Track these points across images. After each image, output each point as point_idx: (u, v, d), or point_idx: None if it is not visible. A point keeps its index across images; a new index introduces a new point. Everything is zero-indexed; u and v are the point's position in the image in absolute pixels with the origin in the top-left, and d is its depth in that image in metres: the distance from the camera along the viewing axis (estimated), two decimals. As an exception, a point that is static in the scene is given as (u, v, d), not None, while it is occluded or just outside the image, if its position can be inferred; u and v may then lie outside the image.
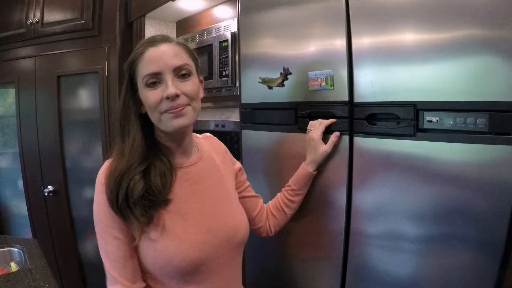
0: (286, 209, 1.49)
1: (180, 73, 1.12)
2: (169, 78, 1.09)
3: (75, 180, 3.23)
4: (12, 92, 3.50)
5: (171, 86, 1.08)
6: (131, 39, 2.99)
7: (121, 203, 1.05)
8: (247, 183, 1.48)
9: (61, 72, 3.16)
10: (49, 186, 3.27)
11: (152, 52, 1.10)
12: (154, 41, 1.13)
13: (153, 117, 1.13)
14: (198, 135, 1.40)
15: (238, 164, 1.46)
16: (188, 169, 1.23)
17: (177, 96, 1.08)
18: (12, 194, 3.70)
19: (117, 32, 2.92)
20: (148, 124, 1.17)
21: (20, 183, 3.50)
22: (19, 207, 3.59)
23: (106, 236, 1.10)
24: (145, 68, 1.10)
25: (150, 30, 2.94)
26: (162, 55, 1.10)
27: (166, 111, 1.10)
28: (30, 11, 3.23)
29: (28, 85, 3.32)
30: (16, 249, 2.25)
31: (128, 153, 1.11)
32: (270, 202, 1.53)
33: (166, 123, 1.11)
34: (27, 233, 3.50)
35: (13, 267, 2.11)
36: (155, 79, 1.10)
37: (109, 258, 1.10)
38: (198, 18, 2.78)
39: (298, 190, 1.47)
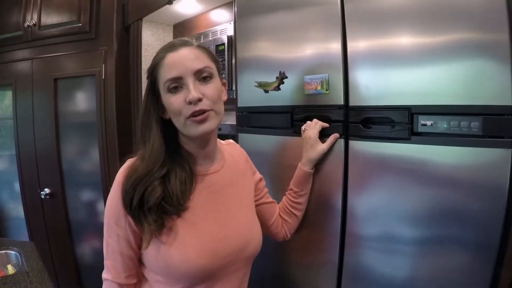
0: (295, 211, 1.50)
1: (202, 76, 1.11)
2: (190, 82, 1.09)
3: (72, 182, 3.23)
4: (9, 94, 3.49)
5: (193, 90, 1.07)
6: (128, 43, 2.99)
7: (135, 207, 1.07)
8: (266, 189, 1.49)
9: (58, 75, 3.15)
10: (45, 189, 3.26)
11: (172, 57, 1.10)
12: (174, 45, 1.13)
13: (178, 122, 1.13)
14: (222, 142, 1.40)
15: (258, 174, 1.47)
16: (209, 177, 1.23)
17: (199, 100, 1.08)
18: (9, 196, 3.70)
19: (114, 35, 2.93)
20: (170, 129, 1.17)
21: (17, 186, 3.49)
22: (16, 209, 3.57)
23: (110, 230, 1.13)
24: (166, 73, 1.10)
25: (147, 33, 2.95)
26: (182, 59, 1.10)
27: (190, 117, 1.09)
28: (28, 13, 3.22)
29: (25, 88, 3.31)
30: (13, 252, 2.25)
31: (147, 157, 1.12)
32: (279, 207, 1.53)
33: (190, 129, 1.11)
34: (24, 236, 3.49)
35: (10, 269, 2.11)
36: (177, 84, 1.09)
37: (107, 249, 1.15)
38: (195, 22, 2.79)
39: (301, 191, 1.48)
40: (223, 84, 1.23)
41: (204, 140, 1.19)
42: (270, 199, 1.49)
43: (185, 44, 1.13)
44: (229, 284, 1.20)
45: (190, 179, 1.17)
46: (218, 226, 1.18)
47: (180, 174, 1.14)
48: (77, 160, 3.27)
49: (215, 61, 1.19)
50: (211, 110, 1.11)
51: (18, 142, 3.41)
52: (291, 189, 1.50)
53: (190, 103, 1.07)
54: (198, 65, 1.10)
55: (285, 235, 1.51)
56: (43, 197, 3.26)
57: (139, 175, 1.09)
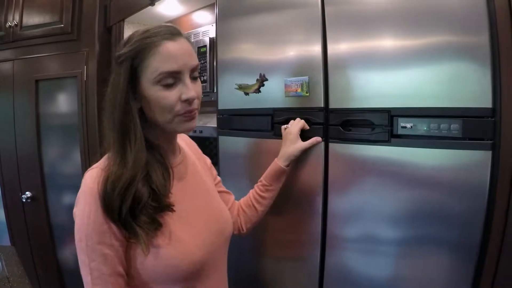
0: (257, 205, 1.45)
1: (193, 74, 1.05)
2: (187, 79, 1.02)
3: (54, 186, 3.18)
4: (-11, 96, 3.44)
5: (192, 89, 1.02)
6: (110, 44, 2.96)
7: (126, 215, 0.96)
8: (218, 178, 1.45)
9: (40, 76, 3.10)
10: (27, 192, 3.20)
11: (171, 47, 1.00)
12: (171, 33, 1.02)
13: (163, 118, 1.04)
14: None
15: (208, 160, 1.44)
16: (177, 168, 1.16)
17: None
18: (-11, 200, 3.63)
19: (96, 36, 2.89)
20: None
21: (-2, 189, 3.43)
22: (-4, 213, 3.52)
23: (92, 253, 0.97)
24: (162, 64, 0.99)
25: (129, 34, 2.91)
26: (182, 52, 1.02)
27: (181, 115, 1.03)
28: (9, 14, 3.17)
29: (6, 89, 3.26)
30: (-7, 257, 2.21)
31: (133, 159, 1.00)
32: (242, 199, 1.50)
33: (177, 126, 1.05)
34: (5, 240, 3.44)
35: (-10, 275, 2.07)
36: (173, 79, 1.01)
37: (91, 276, 0.98)
38: (177, 23, 2.76)
39: (269, 186, 1.44)
40: None
41: (172, 134, 1.16)
42: (224, 188, 1.45)
43: (181, 34, 1.05)
44: (220, 269, 1.21)
45: (167, 173, 1.09)
46: (199, 214, 1.16)
47: (159, 168, 1.06)
48: (59, 162, 3.22)
49: None
50: (197, 109, 1.07)
51: (-2, 144, 3.35)
52: (260, 181, 1.47)
53: (185, 101, 1.01)
54: (195, 62, 1.05)
55: (240, 228, 1.45)
56: (24, 200, 3.20)
57: (126, 180, 0.97)
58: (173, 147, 1.19)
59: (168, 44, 1.00)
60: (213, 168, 1.44)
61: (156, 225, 1.00)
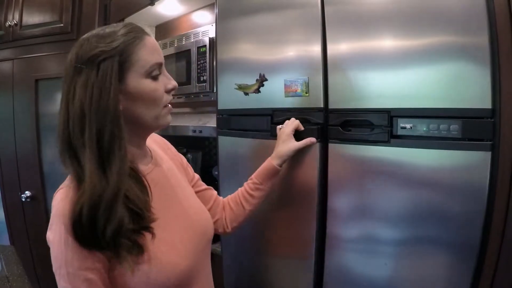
0: (245, 204, 1.40)
1: None
2: (165, 70, 1.04)
3: (53, 185, 3.14)
4: (-11, 95, 3.43)
5: (172, 78, 1.04)
6: (109, 43, 2.94)
7: (110, 239, 0.87)
8: (196, 176, 1.39)
9: (39, 76, 3.11)
10: (26, 192, 3.20)
11: (152, 41, 1.00)
12: (144, 31, 1.00)
13: (152, 112, 1.00)
14: None
15: (184, 159, 1.37)
16: (150, 175, 1.07)
17: None
18: (-11, 200, 3.62)
19: (95, 36, 2.88)
20: None
21: (-3, 188, 3.43)
22: (-4, 212, 3.51)
23: (75, 280, 0.89)
24: (151, 55, 0.98)
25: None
26: (158, 47, 1.02)
27: (166, 105, 1.04)
28: (9, 13, 3.17)
29: (5, 89, 3.26)
30: (-8, 256, 2.21)
31: (117, 171, 0.91)
32: (230, 195, 1.45)
33: (163, 119, 1.03)
34: (5, 240, 3.43)
35: (-11, 274, 2.07)
36: (158, 71, 1.00)
37: None
38: (177, 23, 2.76)
39: (260, 184, 1.40)
40: None
41: (147, 135, 1.10)
42: (204, 186, 1.40)
43: None
44: (206, 271, 1.18)
45: (143, 186, 1.01)
46: (179, 220, 1.10)
47: (134, 184, 0.98)
48: (58, 162, 3.14)
49: None
50: None
51: (-2, 144, 3.35)
52: (251, 179, 1.43)
53: (170, 91, 1.04)
54: None
55: (225, 225, 1.39)
56: (23, 200, 3.20)
57: (108, 197, 0.88)
58: (143, 152, 1.12)
59: (149, 38, 1.00)
60: (189, 166, 1.37)
61: (139, 247, 0.93)
